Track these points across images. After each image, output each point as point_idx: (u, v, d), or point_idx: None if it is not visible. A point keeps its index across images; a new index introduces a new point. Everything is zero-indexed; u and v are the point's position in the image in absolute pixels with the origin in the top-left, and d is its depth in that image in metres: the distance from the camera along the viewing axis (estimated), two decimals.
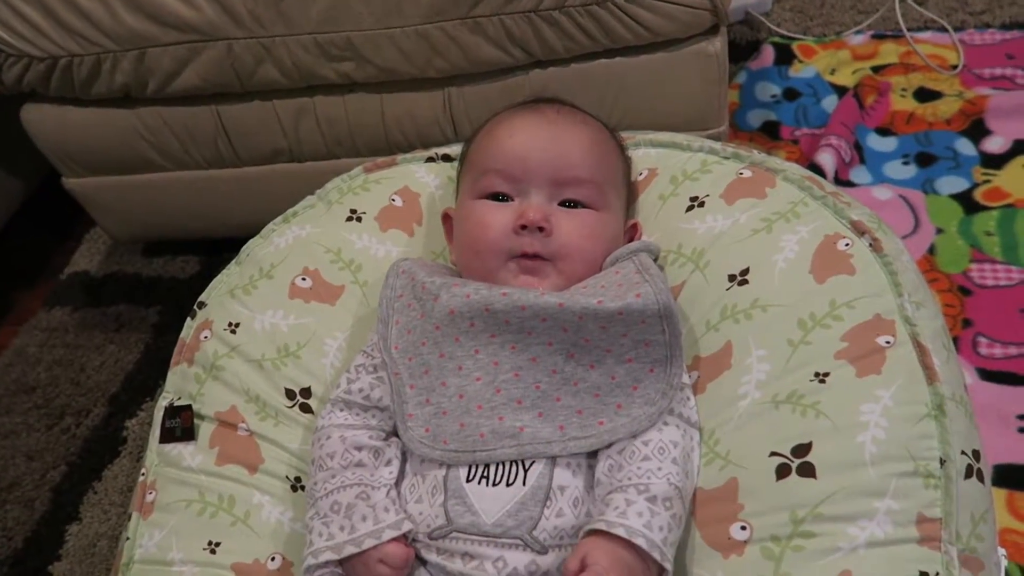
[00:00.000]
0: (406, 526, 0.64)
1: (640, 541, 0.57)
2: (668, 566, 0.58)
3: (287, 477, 0.75)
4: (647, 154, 0.85)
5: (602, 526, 0.59)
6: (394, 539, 0.63)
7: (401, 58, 1.01)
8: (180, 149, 1.16)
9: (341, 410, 0.71)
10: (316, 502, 0.67)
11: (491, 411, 0.65)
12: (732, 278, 0.72)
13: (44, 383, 1.28)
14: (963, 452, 0.61)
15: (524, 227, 0.71)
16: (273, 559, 0.71)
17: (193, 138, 1.15)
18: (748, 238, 0.73)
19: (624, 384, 0.65)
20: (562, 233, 0.71)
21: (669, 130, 0.88)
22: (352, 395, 0.71)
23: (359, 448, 0.68)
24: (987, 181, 1.21)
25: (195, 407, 0.79)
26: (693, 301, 0.73)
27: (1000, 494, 0.90)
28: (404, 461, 0.69)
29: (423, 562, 0.65)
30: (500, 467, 0.64)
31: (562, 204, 0.73)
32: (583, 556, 0.58)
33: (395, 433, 0.70)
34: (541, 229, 0.71)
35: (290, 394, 0.78)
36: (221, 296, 0.85)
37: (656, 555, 0.58)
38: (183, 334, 0.85)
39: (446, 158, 0.91)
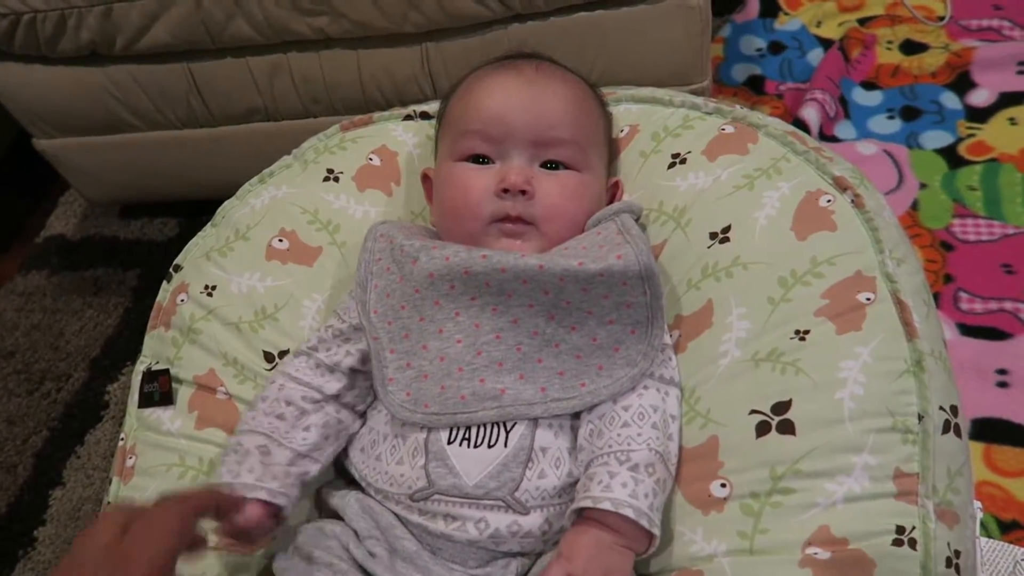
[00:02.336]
0: (280, 499, 0.64)
1: (628, 512, 0.58)
2: (656, 531, 0.59)
3: None
4: (628, 110, 0.84)
5: (588, 503, 0.59)
6: (262, 500, 0.64)
7: (376, 12, 0.98)
8: (152, 108, 1.13)
9: (302, 360, 0.71)
10: (233, 435, 0.69)
11: (472, 373, 0.64)
12: (714, 236, 0.71)
13: (23, 348, 1.27)
14: (941, 407, 0.61)
15: (506, 191, 0.69)
16: None
17: (165, 97, 1.12)
18: (730, 195, 0.72)
19: (605, 346, 0.65)
20: (544, 196, 0.70)
21: (651, 85, 0.86)
22: (318, 353, 0.71)
23: (288, 402, 0.68)
24: (971, 135, 1.20)
25: (173, 371, 0.78)
26: (674, 259, 0.72)
27: (977, 447, 0.91)
28: (363, 423, 0.70)
29: (404, 524, 0.65)
30: (481, 429, 0.64)
31: (543, 165, 0.72)
32: (560, 549, 0.58)
33: (337, 399, 0.70)
34: (523, 192, 0.69)
35: (268, 357, 0.77)
36: (197, 259, 0.83)
37: (644, 523, 0.58)
38: (159, 297, 0.83)
39: (424, 116, 0.89)
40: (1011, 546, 0.82)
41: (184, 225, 1.36)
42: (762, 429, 0.62)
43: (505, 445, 0.63)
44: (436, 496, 0.63)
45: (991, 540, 0.82)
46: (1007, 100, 1.22)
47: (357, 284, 0.71)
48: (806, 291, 0.66)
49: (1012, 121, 1.20)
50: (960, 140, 1.19)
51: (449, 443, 0.64)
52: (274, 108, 1.12)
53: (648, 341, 0.65)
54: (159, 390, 0.77)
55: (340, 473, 0.73)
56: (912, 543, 0.57)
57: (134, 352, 1.23)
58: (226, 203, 0.87)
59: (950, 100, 1.25)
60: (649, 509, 0.58)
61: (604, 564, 0.57)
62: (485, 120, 0.72)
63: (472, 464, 0.63)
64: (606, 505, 0.58)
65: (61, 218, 1.44)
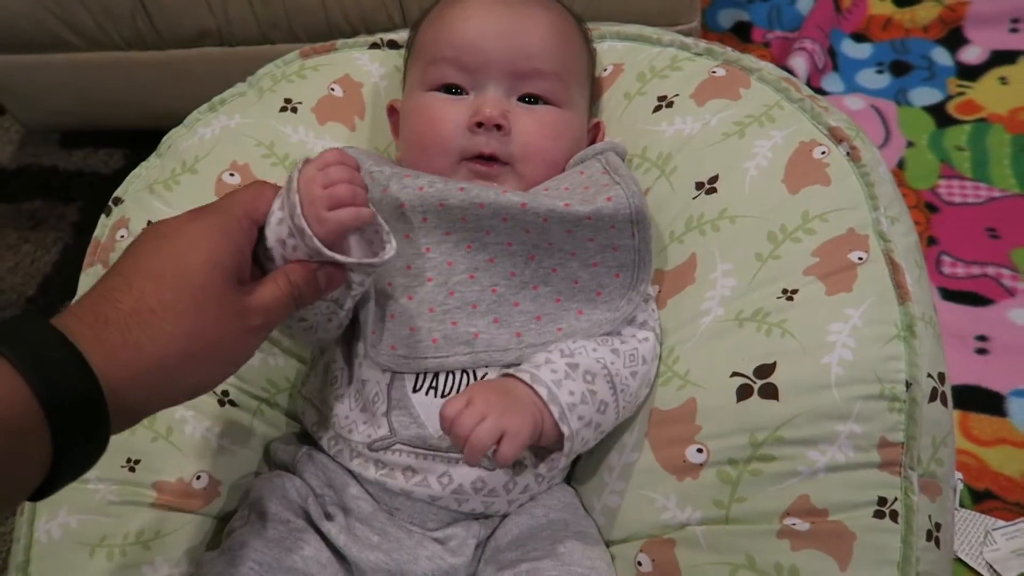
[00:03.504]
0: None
1: (541, 390, 0.55)
2: (566, 429, 0.55)
3: (213, 392, 0.69)
4: (612, 47, 0.79)
5: (510, 370, 0.57)
6: None
7: None
8: (95, 26, 1.05)
9: None
10: None
11: (444, 315, 0.60)
12: (700, 186, 0.67)
13: None
14: (929, 375, 0.59)
15: (479, 125, 0.64)
16: (199, 477, 0.66)
17: (108, 14, 1.03)
18: (719, 143, 0.68)
19: (587, 289, 0.61)
20: (521, 132, 0.65)
21: (637, 23, 0.81)
22: None
23: None
24: (961, 93, 1.17)
25: None
26: (657, 210, 0.68)
27: (953, 415, 0.90)
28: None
29: (360, 482, 0.61)
30: (450, 377, 0.60)
31: (521, 99, 0.67)
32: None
33: None
34: (499, 128, 0.64)
35: None
36: (139, 191, 0.77)
37: (554, 409, 0.54)
38: (97, 232, 0.77)
39: (392, 44, 0.83)
40: (982, 515, 0.81)
41: (130, 156, 1.29)
42: (743, 393, 0.59)
43: None
44: (398, 446, 0.59)
45: (962, 509, 0.82)
46: (999, 58, 1.19)
47: None
48: (796, 248, 0.62)
49: (1003, 80, 1.17)
50: (950, 98, 1.17)
51: (415, 391, 0.60)
52: (228, 31, 1.05)
53: (633, 286, 0.61)
54: None
55: (291, 427, 0.69)
56: (894, 515, 0.55)
57: (73, 291, 1.16)
58: (172, 132, 0.81)
59: (941, 56, 1.22)
60: (567, 406, 0.55)
61: (505, 403, 0.54)
62: (459, 46, 0.66)
63: (438, 414, 0.59)
64: (524, 376, 0.55)
65: None
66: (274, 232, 0.51)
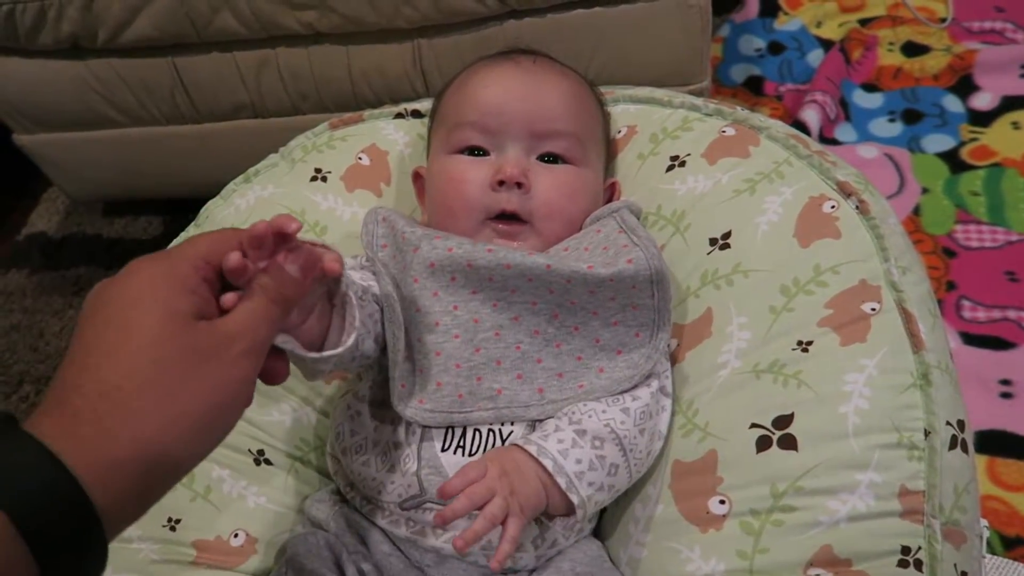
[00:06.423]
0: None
1: (547, 462, 0.56)
2: (574, 498, 0.57)
3: (249, 450, 0.72)
4: (626, 110, 0.82)
5: (519, 441, 0.58)
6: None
7: (367, 6, 0.95)
8: (136, 104, 1.11)
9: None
10: None
11: (469, 371, 0.62)
12: (713, 242, 0.69)
13: (1, 349, 1.24)
14: (948, 422, 0.59)
15: (501, 183, 0.67)
16: (236, 535, 0.69)
17: (149, 92, 1.09)
18: (730, 200, 0.70)
19: (608, 347, 0.63)
20: (540, 191, 0.68)
21: (649, 85, 0.85)
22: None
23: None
24: (974, 139, 1.18)
25: None
26: (673, 266, 0.70)
27: (980, 460, 0.89)
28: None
29: (392, 540, 0.63)
30: (477, 436, 0.62)
31: (541, 159, 0.70)
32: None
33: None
34: (519, 185, 0.67)
35: None
36: None
37: (561, 481, 0.56)
38: None
39: (416, 114, 0.87)
40: (1014, 563, 0.80)
41: (169, 224, 1.34)
42: (763, 444, 0.60)
43: None
44: (429, 504, 0.61)
45: (994, 556, 0.81)
46: (1010, 104, 1.21)
47: (368, 260, 0.67)
48: (809, 300, 0.64)
49: (1015, 125, 1.18)
50: (962, 144, 1.18)
51: (443, 451, 0.62)
52: (261, 104, 1.10)
53: (653, 344, 0.63)
54: None
55: (324, 484, 0.71)
56: (918, 564, 0.55)
57: None
58: (210, 203, 0.85)
59: (952, 103, 1.23)
60: (575, 475, 0.57)
61: (514, 479, 0.55)
62: (482, 111, 0.70)
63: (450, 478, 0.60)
64: (532, 449, 0.57)
65: (43, 215, 1.41)
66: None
